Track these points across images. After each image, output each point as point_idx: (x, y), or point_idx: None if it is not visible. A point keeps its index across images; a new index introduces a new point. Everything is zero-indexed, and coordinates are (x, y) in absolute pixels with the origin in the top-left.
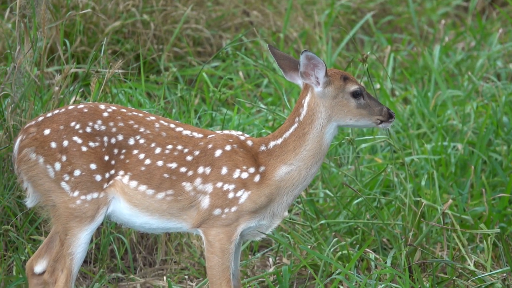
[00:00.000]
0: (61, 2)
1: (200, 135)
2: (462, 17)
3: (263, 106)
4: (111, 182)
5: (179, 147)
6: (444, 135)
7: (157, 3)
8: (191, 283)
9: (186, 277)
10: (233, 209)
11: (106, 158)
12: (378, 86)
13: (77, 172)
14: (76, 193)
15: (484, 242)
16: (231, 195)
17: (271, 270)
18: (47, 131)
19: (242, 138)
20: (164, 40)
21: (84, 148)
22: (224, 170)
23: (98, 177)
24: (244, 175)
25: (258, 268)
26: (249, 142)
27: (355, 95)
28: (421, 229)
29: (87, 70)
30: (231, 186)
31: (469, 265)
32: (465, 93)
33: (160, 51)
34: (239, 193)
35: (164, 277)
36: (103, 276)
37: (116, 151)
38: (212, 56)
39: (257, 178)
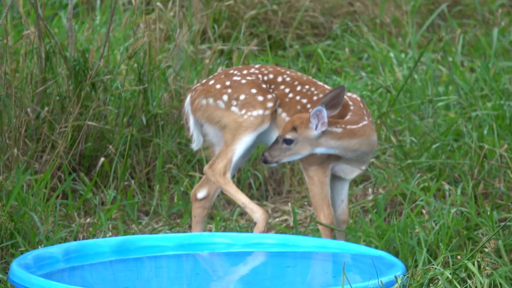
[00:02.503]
0: None
1: (329, 87)
2: None
3: (364, 74)
4: (272, 103)
5: (312, 89)
6: (501, 95)
7: None
8: (309, 208)
9: (306, 203)
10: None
11: (264, 86)
12: (450, 59)
13: (242, 96)
14: (243, 111)
15: None
16: None
17: (370, 198)
18: (211, 81)
19: (350, 102)
20: (289, 24)
21: (243, 81)
22: None
23: (260, 98)
24: None
25: (360, 196)
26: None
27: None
28: (484, 166)
29: (231, 47)
30: None
31: None
32: None
33: (286, 33)
34: None
35: (289, 203)
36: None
37: (267, 86)
38: (325, 37)
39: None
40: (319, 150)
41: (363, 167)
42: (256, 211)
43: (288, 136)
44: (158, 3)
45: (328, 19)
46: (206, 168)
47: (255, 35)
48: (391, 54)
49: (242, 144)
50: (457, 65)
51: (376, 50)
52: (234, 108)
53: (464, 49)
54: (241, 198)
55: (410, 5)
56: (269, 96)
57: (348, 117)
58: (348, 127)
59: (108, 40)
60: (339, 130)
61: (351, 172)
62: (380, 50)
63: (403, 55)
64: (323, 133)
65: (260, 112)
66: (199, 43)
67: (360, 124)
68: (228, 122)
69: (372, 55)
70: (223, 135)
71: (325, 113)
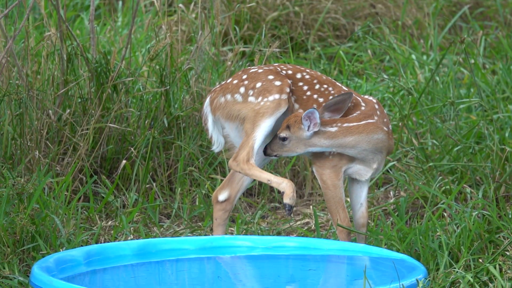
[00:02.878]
0: None
1: (346, 89)
2: None
3: (386, 76)
4: (289, 89)
5: (330, 89)
6: None
7: None
8: None
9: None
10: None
11: (283, 73)
12: (472, 61)
13: (258, 84)
14: (260, 99)
15: None
16: None
17: (391, 201)
18: (229, 80)
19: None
20: (311, 26)
21: (260, 70)
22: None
23: (278, 83)
24: None
25: (381, 199)
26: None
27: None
28: (505, 169)
29: (252, 49)
30: None
31: None
32: None
33: (307, 35)
34: None
35: (311, 206)
36: (264, 205)
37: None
38: (347, 38)
39: None
40: (313, 149)
41: (375, 166)
42: (281, 182)
43: (282, 134)
44: (180, 5)
45: (350, 21)
46: (230, 161)
47: (277, 37)
48: (413, 56)
49: (261, 130)
50: (479, 67)
51: (397, 52)
52: (251, 98)
53: (486, 51)
54: (266, 176)
55: (432, 7)
56: (289, 81)
57: (353, 114)
58: (345, 125)
59: (130, 41)
60: (333, 129)
61: (365, 173)
62: (402, 52)
63: (424, 57)
64: (316, 133)
65: (277, 96)
66: (221, 45)
67: (363, 122)
68: (246, 112)
69: (393, 57)
70: (245, 124)
71: (317, 114)
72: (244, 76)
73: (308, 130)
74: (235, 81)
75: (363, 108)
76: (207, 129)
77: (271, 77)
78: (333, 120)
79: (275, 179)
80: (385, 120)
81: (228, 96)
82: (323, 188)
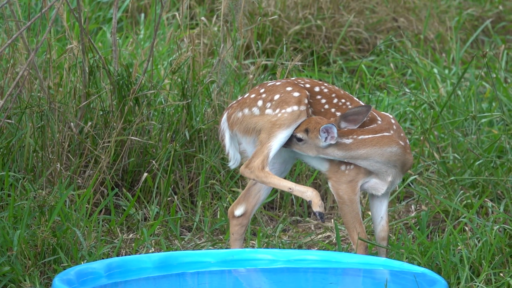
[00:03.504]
0: (255, 10)
1: (363, 103)
2: None
3: (408, 90)
4: (307, 100)
5: (348, 103)
6: None
7: (327, 11)
8: None
9: None
10: (352, 166)
11: (301, 85)
12: (494, 75)
13: (276, 96)
14: (277, 111)
15: None
16: None
17: (413, 214)
18: (246, 95)
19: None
20: (333, 39)
21: (278, 83)
22: None
23: (296, 94)
24: None
25: (403, 213)
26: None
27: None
28: None
29: (274, 62)
30: None
31: None
32: None
33: (330, 48)
34: None
35: (332, 220)
36: (285, 219)
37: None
38: (369, 52)
39: None
40: (325, 156)
41: (389, 179)
42: (305, 191)
43: (299, 135)
44: (202, 18)
45: (372, 35)
46: (242, 168)
47: (299, 50)
48: (435, 70)
49: (277, 140)
50: (501, 82)
51: (419, 66)
52: (268, 111)
53: (508, 65)
54: (286, 184)
55: (454, 21)
56: (307, 92)
57: (370, 127)
58: (360, 137)
59: (152, 54)
60: (348, 141)
61: (381, 187)
62: (424, 66)
63: (446, 71)
64: (331, 144)
65: (295, 108)
66: (243, 58)
67: (378, 134)
68: (262, 124)
69: (415, 71)
70: (261, 133)
71: (335, 129)
72: (262, 90)
73: (324, 141)
74: (253, 95)
75: (379, 122)
76: (224, 145)
77: (289, 88)
78: (350, 131)
79: (298, 188)
80: (401, 134)
81: (246, 110)
82: (339, 203)
